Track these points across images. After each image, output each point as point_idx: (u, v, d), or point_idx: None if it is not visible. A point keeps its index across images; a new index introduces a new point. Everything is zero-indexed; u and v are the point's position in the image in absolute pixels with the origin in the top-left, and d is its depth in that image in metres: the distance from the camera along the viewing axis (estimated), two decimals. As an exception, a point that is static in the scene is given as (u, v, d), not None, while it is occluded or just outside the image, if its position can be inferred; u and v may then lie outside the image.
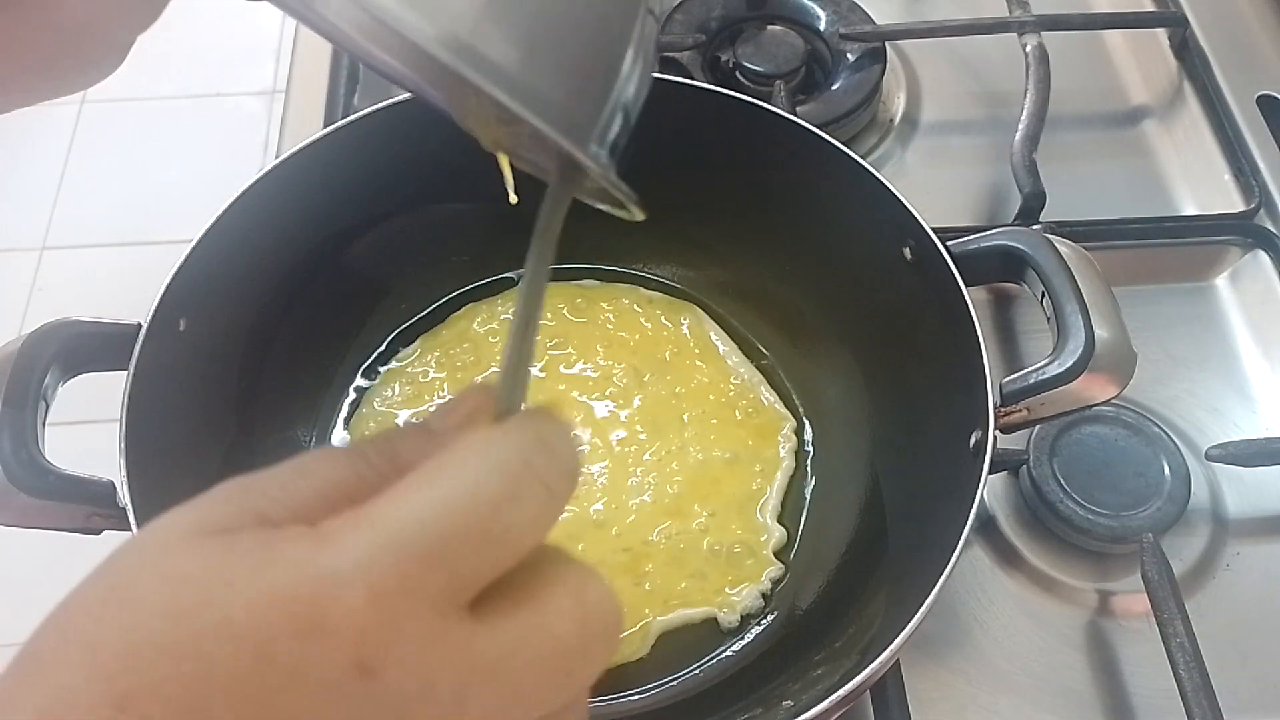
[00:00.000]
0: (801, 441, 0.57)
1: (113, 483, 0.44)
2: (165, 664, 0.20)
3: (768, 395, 0.59)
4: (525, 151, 0.35)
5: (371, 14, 0.23)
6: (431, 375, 0.59)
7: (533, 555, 0.24)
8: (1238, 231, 0.66)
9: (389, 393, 0.59)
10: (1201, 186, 0.69)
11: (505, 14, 0.24)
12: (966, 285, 0.48)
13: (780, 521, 0.55)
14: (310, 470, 0.24)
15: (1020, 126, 0.67)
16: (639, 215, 0.33)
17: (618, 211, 0.33)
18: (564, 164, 0.30)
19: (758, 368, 0.60)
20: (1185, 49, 0.74)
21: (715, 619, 0.52)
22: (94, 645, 0.21)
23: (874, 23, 0.73)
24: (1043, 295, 0.48)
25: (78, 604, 0.22)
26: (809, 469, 0.57)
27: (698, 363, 0.59)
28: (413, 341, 0.60)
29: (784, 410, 0.58)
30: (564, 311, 0.61)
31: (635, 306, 0.61)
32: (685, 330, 0.61)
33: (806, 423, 0.58)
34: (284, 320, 0.56)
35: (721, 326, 0.61)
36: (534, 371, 0.58)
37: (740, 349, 0.60)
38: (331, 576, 0.21)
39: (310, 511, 0.23)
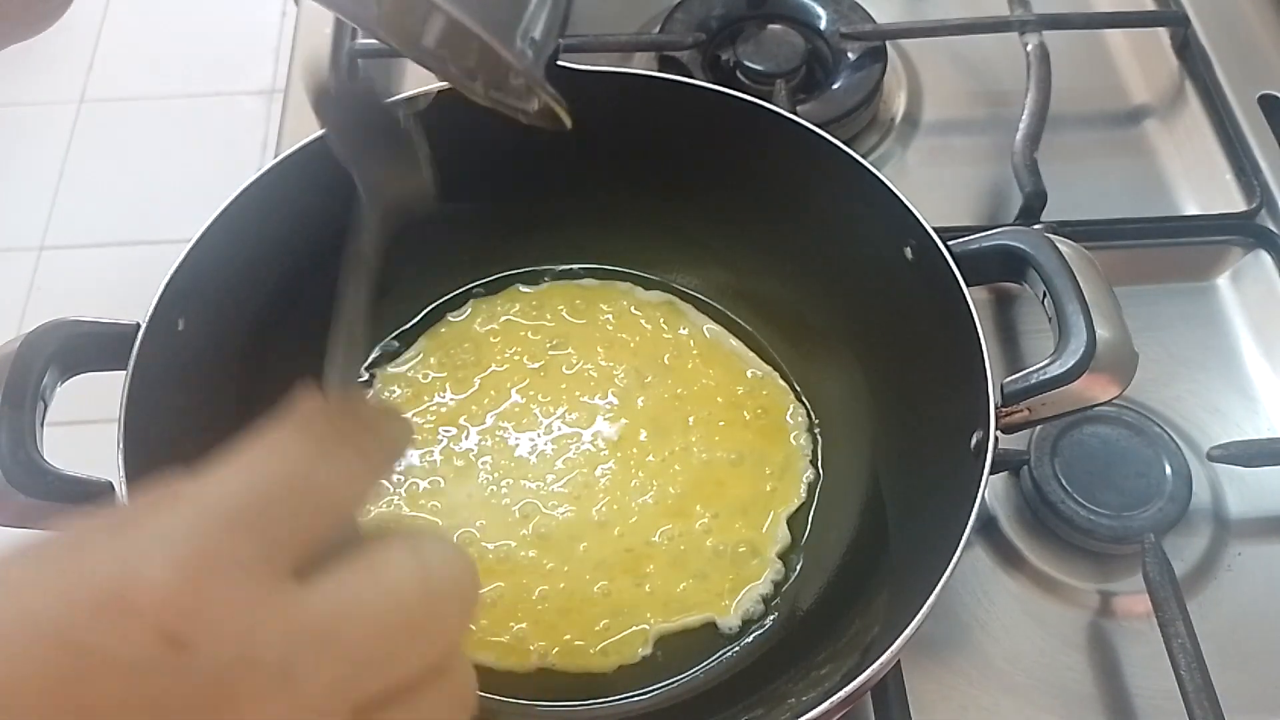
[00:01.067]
0: (814, 441, 0.57)
1: (111, 483, 0.44)
2: None
3: (782, 395, 0.58)
4: (456, 62, 0.35)
5: None
6: (431, 376, 0.59)
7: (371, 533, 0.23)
8: (1239, 231, 0.66)
9: (389, 393, 0.58)
10: (1203, 186, 0.69)
11: None
12: (967, 285, 0.48)
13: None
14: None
15: (1021, 126, 0.67)
16: (566, 121, 0.34)
17: (550, 124, 0.34)
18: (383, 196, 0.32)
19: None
20: (1187, 48, 0.74)
21: (720, 616, 0.52)
22: None
23: (875, 22, 0.73)
24: (1044, 295, 0.48)
25: None
26: (818, 469, 0.57)
27: (702, 364, 0.59)
28: (413, 342, 0.60)
29: (796, 409, 0.58)
30: (563, 313, 0.61)
31: (633, 309, 0.61)
32: (684, 331, 0.61)
33: (816, 421, 0.58)
34: (283, 320, 0.56)
35: (724, 326, 0.61)
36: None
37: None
38: (132, 553, 0.20)
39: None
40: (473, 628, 0.25)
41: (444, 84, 0.54)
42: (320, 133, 0.54)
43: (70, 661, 0.19)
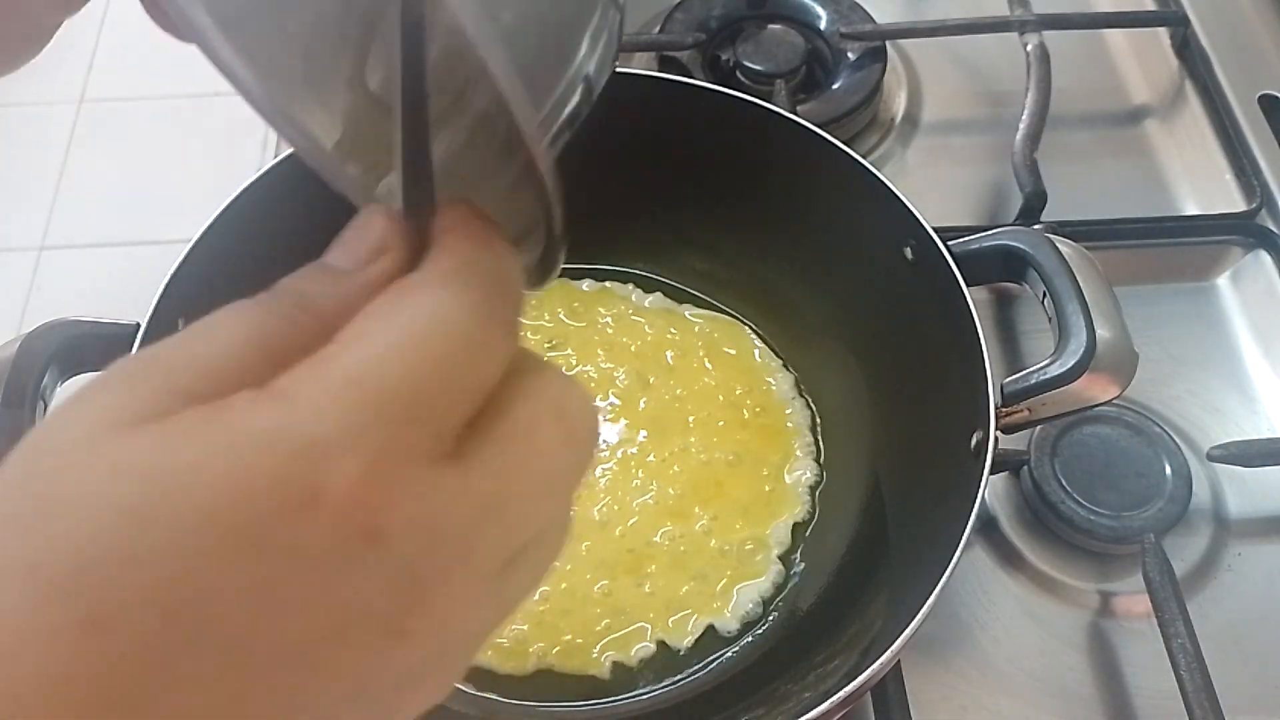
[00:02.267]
0: (814, 441, 0.57)
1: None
2: (137, 573, 0.17)
3: (782, 395, 0.58)
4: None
5: None
6: (431, 375, 0.59)
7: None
8: (1239, 231, 0.66)
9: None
10: (1203, 186, 0.69)
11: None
12: (967, 285, 0.48)
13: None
14: (221, 332, 0.22)
15: (1021, 126, 0.67)
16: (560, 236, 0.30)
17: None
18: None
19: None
20: (1186, 48, 0.74)
21: (720, 617, 0.52)
22: (36, 564, 0.17)
23: (875, 22, 0.73)
24: (1044, 295, 0.48)
25: None
26: (818, 469, 0.57)
27: (702, 364, 0.59)
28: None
29: (797, 409, 0.58)
30: (561, 315, 0.61)
31: (632, 312, 0.61)
32: (684, 331, 0.61)
33: (817, 421, 0.58)
34: (283, 320, 0.56)
35: (724, 326, 0.61)
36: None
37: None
38: (315, 443, 0.19)
39: (240, 380, 0.20)
40: None
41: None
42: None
43: (263, 561, 0.18)
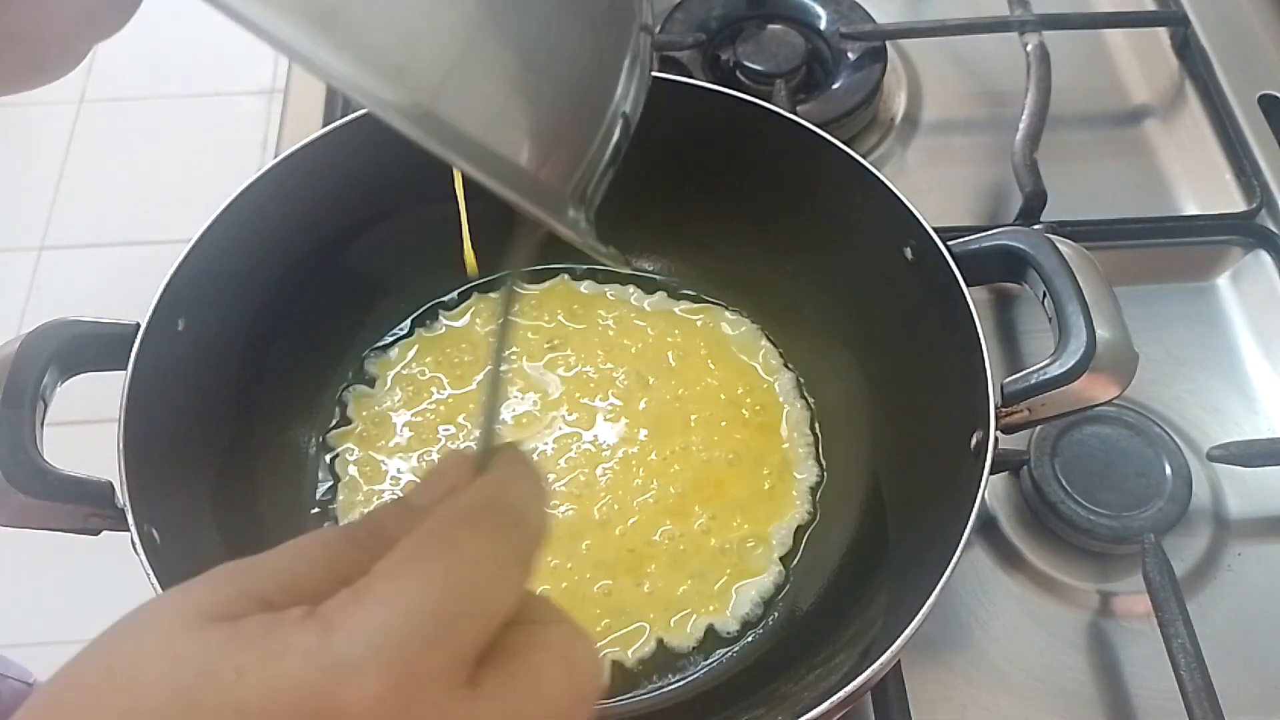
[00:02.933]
0: (814, 441, 0.57)
1: (111, 483, 0.44)
2: None
3: (783, 394, 0.58)
4: None
5: (329, 78, 0.21)
6: (430, 375, 0.59)
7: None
8: (1239, 231, 0.66)
9: (388, 392, 0.58)
10: (1203, 186, 0.69)
11: (474, 75, 0.22)
12: (967, 285, 0.48)
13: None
14: (306, 552, 0.24)
15: (1021, 126, 0.67)
16: (624, 269, 0.31)
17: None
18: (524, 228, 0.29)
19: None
20: (1186, 48, 0.74)
21: (720, 617, 0.52)
22: None
23: (875, 22, 0.73)
24: (1044, 295, 0.48)
25: (74, 683, 0.22)
26: (818, 468, 0.57)
27: (703, 363, 0.59)
28: (412, 341, 0.60)
29: (797, 408, 0.58)
30: (560, 316, 0.61)
31: (633, 315, 0.61)
32: (684, 331, 0.61)
33: (817, 421, 0.58)
34: (283, 320, 0.56)
35: (724, 326, 0.61)
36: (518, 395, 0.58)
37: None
38: (343, 662, 0.21)
39: (309, 593, 0.23)
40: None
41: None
42: (321, 132, 0.54)
43: None
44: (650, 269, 0.63)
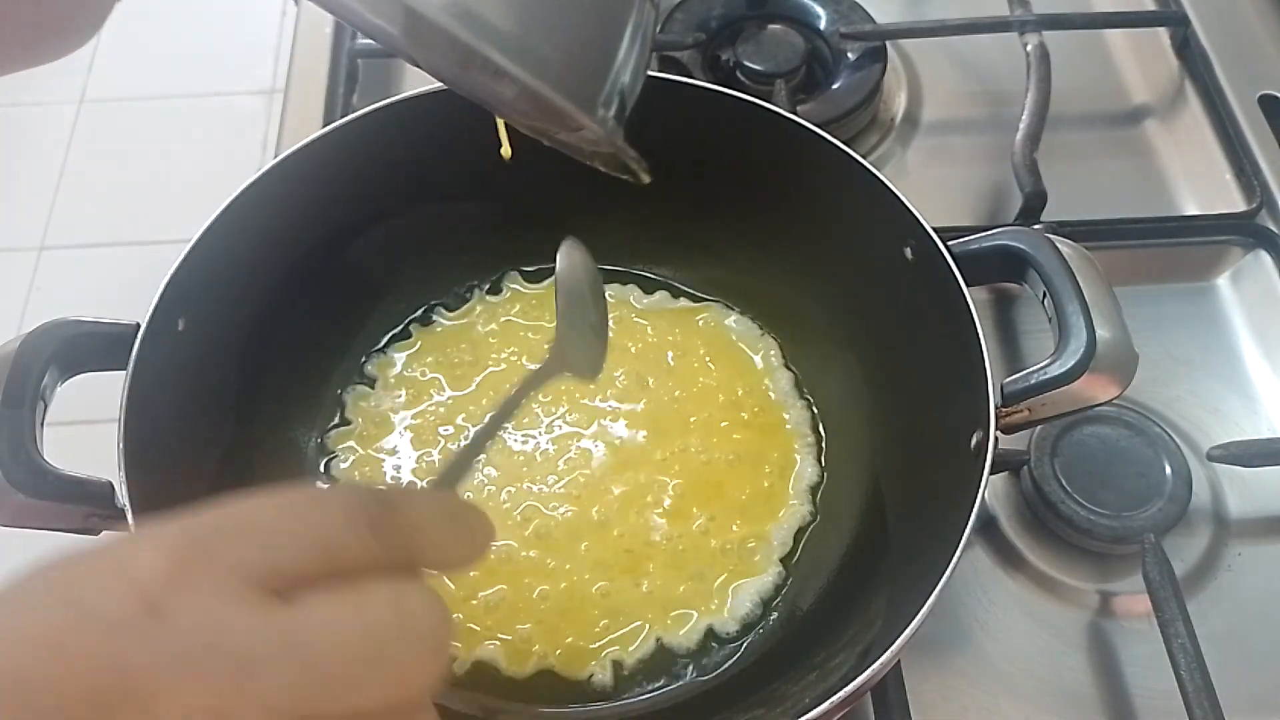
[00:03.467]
0: (814, 441, 0.57)
1: (111, 483, 0.44)
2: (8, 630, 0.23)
3: (782, 395, 0.58)
4: (530, 119, 0.36)
5: None
6: (430, 375, 0.59)
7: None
8: (1239, 231, 0.66)
9: (388, 392, 0.58)
10: (1203, 186, 0.69)
11: None
12: (967, 285, 0.48)
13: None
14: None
15: (1021, 126, 0.67)
16: (645, 178, 0.34)
17: (622, 174, 0.35)
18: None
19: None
20: (1186, 48, 0.74)
21: (719, 617, 0.52)
22: None
23: (875, 22, 0.73)
24: (1044, 295, 0.48)
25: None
26: (818, 469, 0.57)
27: (703, 364, 0.59)
28: (412, 341, 0.60)
29: (797, 408, 0.58)
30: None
31: (633, 314, 0.61)
32: (684, 332, 0.61)
33: (817, 421, 0.58)
34: (283, 320, 0.56)
35: (724, 326, 0.61)
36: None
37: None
38: (142, 539, 0.24)
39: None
40: (441, 679, 0.27)
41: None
42: (321, 132, 0.54)
43: (64, 613, 0.22)
44: (650, 269, 0.62)
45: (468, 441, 0.31)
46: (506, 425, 0.33)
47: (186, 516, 0.24)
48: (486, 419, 0.32)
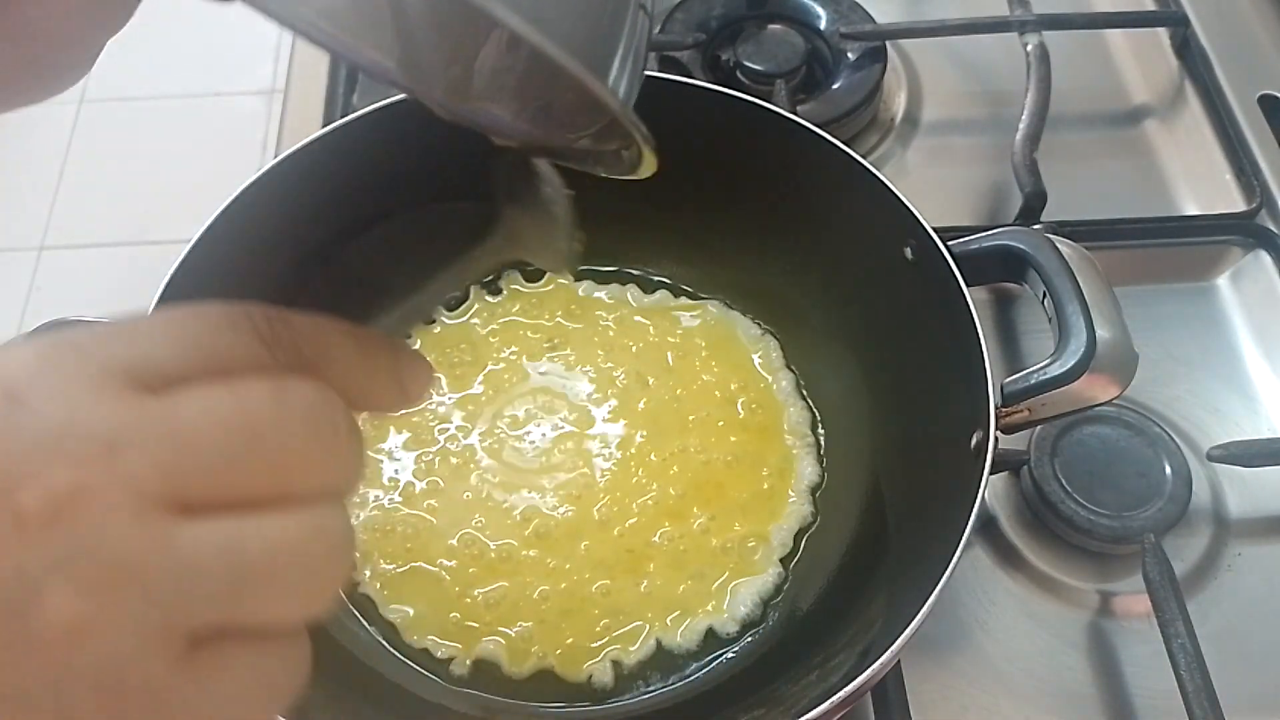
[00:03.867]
0: (814, 441, 0.57)
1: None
2: None
3: (782, 394, 0.58)
4: (528, 135, 0.35)
5: None
6: (431, 375, 0.59)
7: None
8: (1239, 231, 0.66)
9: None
10: (1203, 186, 0.69)
11: None
12: (967, 285, 0.48)
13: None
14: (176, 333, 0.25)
15: (1021, 126, 0.67)
16: (651, 162, 0.33)
17: (625, 174, 0.34)
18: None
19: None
20: (1186, 48, 0.74)
21: (719, 617, 0.52)
22: None
23: (875, 22, 0.73)
24: (1044, 295, 0.48)
25: None
26: (818, 469, 0.57)
27: (702, 364, 0.59)
28: (412, 341, 0.60)
29: (796, 408, 0.58)
30: (559, 316, 0.61)
31: (633, 313, 0.61)
32: (683, 331, 0.61)
33: (816, 421, 0.58)
34: (283, 320, 0.56)
35: (723, 325, 0.61)
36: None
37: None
38: (15, 343, 0.23)
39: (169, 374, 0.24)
40: (352, 483, 0.26)
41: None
42: (321, 132, 0.54)
43: None
44: (650, 269, 0.63)
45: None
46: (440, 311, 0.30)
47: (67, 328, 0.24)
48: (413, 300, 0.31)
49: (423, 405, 0.58)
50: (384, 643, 0.51)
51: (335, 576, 0.25)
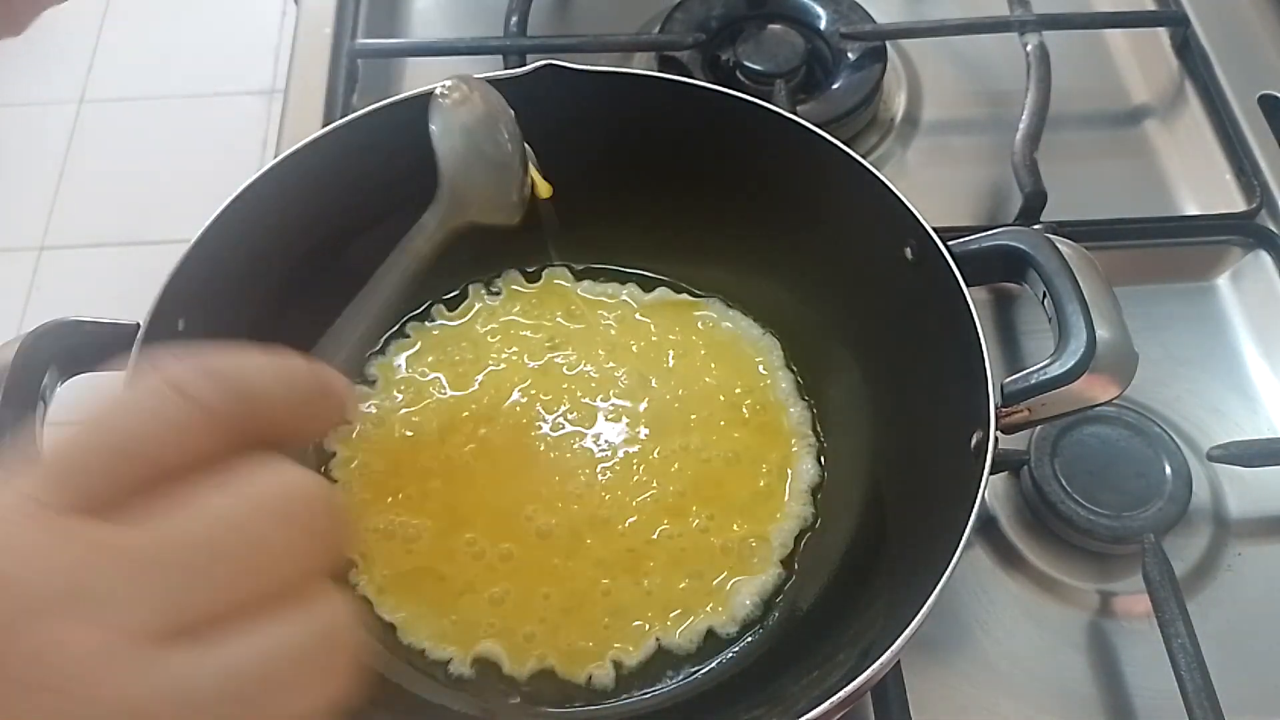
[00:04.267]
0: (814, 441, 0.57)
1: (111, 483, 0.44)
2: None
3: (782, 394, 0.58)
4: None
5: None
6: (430, 375, 0.59)
7: None
8: (1239, 231, 0.66)
9: (387, 392, 0.58)
10: (1203, 186, 0.69)
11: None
12: (967, 285, 0.48)
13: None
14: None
15: (1021, 126, 0.67)
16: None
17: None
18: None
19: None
20: (1186, 48, 0.74)
21: (719, 617, 0.52)
22: None
23: (875, 22, 0.73)
24: (1044, 295, 0.48)
25: None
26: (818, 468, 0.57)
27: (703, 363, 0.59)
28: (412, 341, 0.60)
29: (797, 408, 0.58)
30: (559, 316, 0.61)
31: (634, 313, 0.61)
32: (684, 331, 0.61)
33: (817, 421, 0.58)
34: (283, 320, 0.56)
35: (724, 325, 0.61)
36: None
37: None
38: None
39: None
40: (337, 558, 0.25)
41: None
42: (321, 132, 0.54)
43: None
44: (650, 269, 0.62)
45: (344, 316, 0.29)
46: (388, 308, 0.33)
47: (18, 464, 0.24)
48: (363, 293, 0.31)
49: (422, 405, 0.58)
50: (383, 643, 0.51)
51: (342, 665, 0.24)
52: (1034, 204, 0.64)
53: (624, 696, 0.50)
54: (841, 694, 0.40)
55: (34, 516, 0.22)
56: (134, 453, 0.24)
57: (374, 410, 0.58)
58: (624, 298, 0.62)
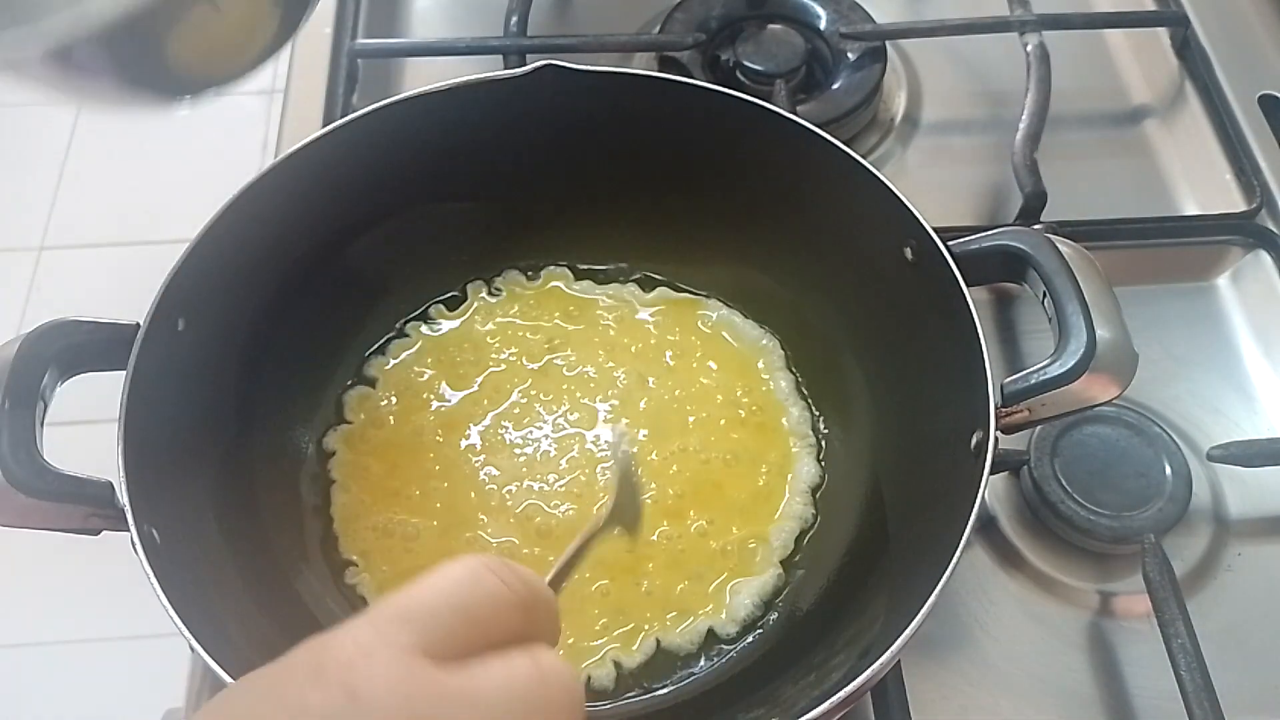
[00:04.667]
0: (814, 442, 0.57)
1: (111, 483, 0.44)
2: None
3: (782, 394, 0.58)
4: None
5: None
6: (430, 375, 0.59)
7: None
8: (1239, 231, 0.66)
9: (388, 392, 0.58)
10: (1203, 186, 0.69)
11: None
12: (967, 285, 0.48)
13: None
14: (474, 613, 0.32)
15: (1021, 126, 0.67)
16: None
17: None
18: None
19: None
20: (1187, 48, 0.74)
21: (719, 617, 0.52)
22: None
23: (875, 22, 0.73)
24: (1044, 295, 0.48)
25: (289, 679, 0.29)
26: (818, 469, 0.57)
27: (703, 364, 0.59)
28: (412, 341, 0.60)
29: (796, 409, 0.58)
30: (558, 317, 0.61)
31: (633, 313, 0.61)
32: (684, 331, 0.61)
33: (816, 421, 0.58)
34: (283, 320, 0.56)
35: (724, 325, 0.61)
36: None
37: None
38: (330, 638, 0.29)
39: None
40: None
41: (452, 81, 0.54)
42: (321, 132, 0.54)
43: (282, 715, 0.28)
44: (650, 268, 0.62)
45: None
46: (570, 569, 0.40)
47: (359, 615, 0.30)
48: (554, 569, 0.39)
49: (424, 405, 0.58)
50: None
51: None
52: (1034, 204, 0.64)
53: (624, 696, 0.50)
54: (841, 694, 0.40)
55: (404, 658, 0.29)
56: (473, 615, 0.30)
57: (373, 410, 0.58)
58: (624, 298, 0.62)
